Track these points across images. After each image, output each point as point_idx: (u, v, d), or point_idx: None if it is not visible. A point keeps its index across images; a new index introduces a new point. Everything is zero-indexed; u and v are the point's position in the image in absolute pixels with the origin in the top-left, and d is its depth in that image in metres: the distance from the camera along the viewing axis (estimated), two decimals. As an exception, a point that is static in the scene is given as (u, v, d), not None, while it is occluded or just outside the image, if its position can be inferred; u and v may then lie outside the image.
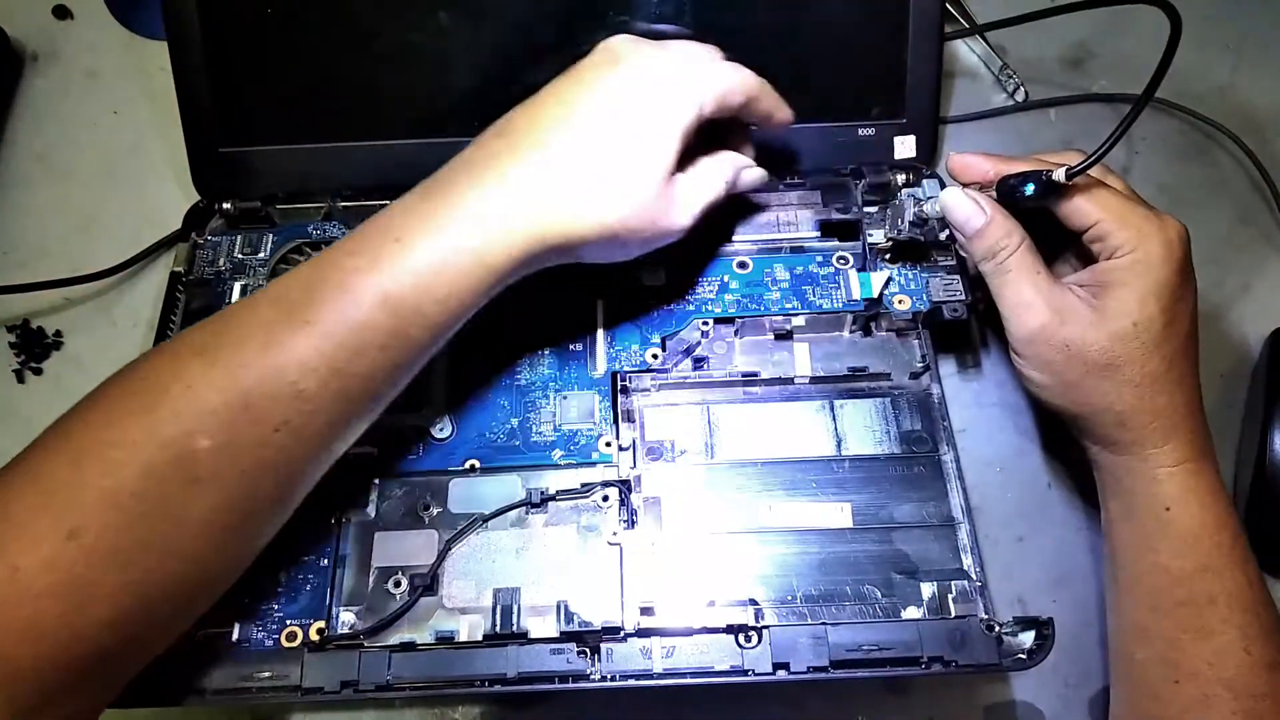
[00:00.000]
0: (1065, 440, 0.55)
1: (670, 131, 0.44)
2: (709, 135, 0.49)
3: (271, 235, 0.57)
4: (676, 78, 0.45)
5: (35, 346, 0.61)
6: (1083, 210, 0.46)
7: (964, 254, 0.51)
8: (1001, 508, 0.55)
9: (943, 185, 0.52)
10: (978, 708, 0.52)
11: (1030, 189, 0.44)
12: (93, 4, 0.70)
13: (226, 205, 0.58)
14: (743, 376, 0.53)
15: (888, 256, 0.55)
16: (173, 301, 0.55)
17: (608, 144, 0.43)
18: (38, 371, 0.60)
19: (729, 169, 0.49)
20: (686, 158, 0.47)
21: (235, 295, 0.55)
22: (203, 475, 0.38)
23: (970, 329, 0.59)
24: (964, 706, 0.52)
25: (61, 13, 0.70)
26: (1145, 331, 0.45)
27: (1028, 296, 0.47)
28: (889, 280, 0.54)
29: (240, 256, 0.57)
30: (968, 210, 0.47)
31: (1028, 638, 0.45)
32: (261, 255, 0.57)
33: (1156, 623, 0.46)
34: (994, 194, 0.48)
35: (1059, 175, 0.43)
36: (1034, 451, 0.57)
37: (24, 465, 0.38)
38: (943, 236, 0.51)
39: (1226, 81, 0.68)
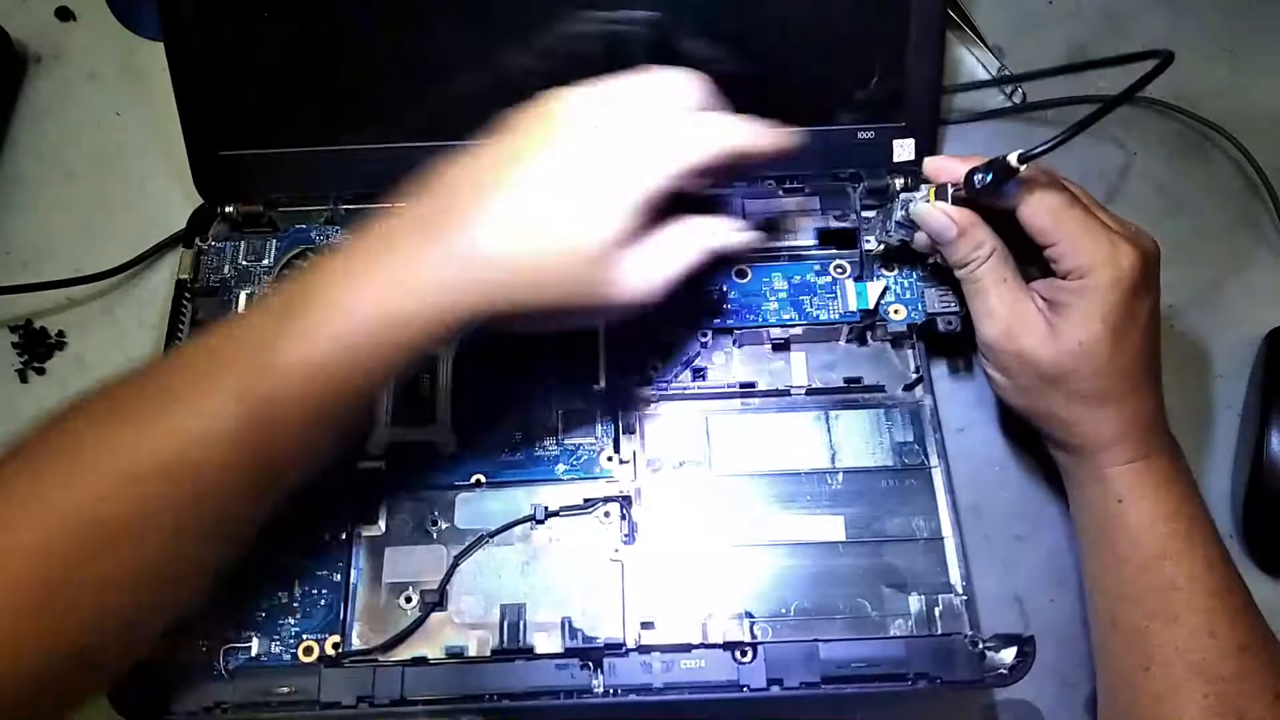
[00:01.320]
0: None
1: (617, 209, 0.40)
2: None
3: (275, 241, 0.57)
4: (633, 151, 0.41)
5: (38, 346, 0.61)
6: (1044, 229, 0.47)
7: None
8: (1000, 507, 0.56)
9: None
10: (976, 706, 0.53)
11: (989, 177, 0.46)
12: (95, 6, 0.70)
13: (229, 209, 0.58)
14: (740, 387, 0.54)
15: (879, 265, 0.55)
16: (179, 309, 0.55)
17: (546, 219, 0.40)
18: (41, 371, 0.61)
19: (701, 237, 0.44)
20: (657, 222, 0.42)
21: (241, 303, 0.56)
22: (117, 540, 0.37)
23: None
24: (962, 705, 0.53)
25: (64, 14, 0.70)
26: (1092, 351, 0.47)
27: (991, 305, 0.49)
28: (885, 290, 0.54)
29: (245, 263, 0.57)
30: (939, 223, 0.49)
31: (1009, 654, 0.46)
32: (266, 262, 0.57)
33: (1125, 612, 0.48)
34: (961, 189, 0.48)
35: (1012, 159, 0.44)
36: (1033, 451, 0.57)
37: None
38: (918, 237, 0.52)
39: (1224, 82, 0.67)
